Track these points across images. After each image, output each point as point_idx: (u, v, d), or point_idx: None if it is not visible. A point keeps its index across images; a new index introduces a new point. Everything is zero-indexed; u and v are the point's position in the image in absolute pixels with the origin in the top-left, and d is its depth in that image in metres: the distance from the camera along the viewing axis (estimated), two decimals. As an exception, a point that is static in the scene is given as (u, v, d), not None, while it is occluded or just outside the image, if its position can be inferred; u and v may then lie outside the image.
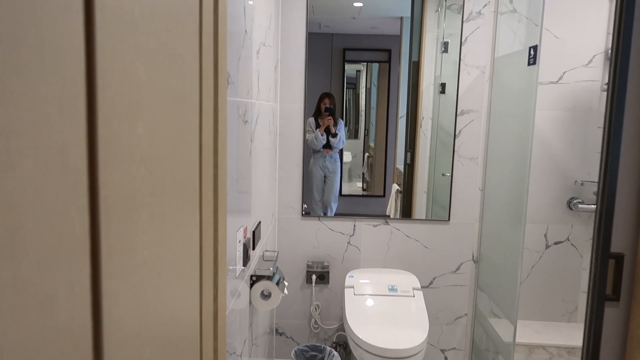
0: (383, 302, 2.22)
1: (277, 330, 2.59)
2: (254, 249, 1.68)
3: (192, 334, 0.86)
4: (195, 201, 0.86)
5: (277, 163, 2.45)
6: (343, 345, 2.55)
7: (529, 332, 2.43)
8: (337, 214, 2.51)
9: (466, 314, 2.57)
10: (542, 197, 2.46)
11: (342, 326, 2.54)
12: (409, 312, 2.15)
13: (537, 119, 2.30)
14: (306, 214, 2.49)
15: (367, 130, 2.62)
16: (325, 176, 2.51)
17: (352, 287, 2.33)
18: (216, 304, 1.03)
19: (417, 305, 2.20)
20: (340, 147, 2.51)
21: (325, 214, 2.51)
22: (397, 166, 2.59)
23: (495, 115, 2.37)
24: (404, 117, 2.52)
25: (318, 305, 2.56)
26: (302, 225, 2.49)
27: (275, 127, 2.34)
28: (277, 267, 1.85)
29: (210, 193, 0.96)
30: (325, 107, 2.44)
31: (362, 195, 2.69)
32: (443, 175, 2.54)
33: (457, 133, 2.44)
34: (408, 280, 2.38)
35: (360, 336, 1.95)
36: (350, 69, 2.49)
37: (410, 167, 2.60)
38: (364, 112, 2.61)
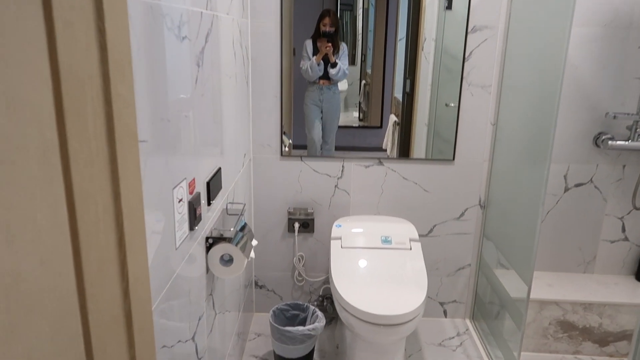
0: (375, 257, 1.92)
1: (256, 283, 2.32)
2: (210, 203, 1.34)
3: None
4: (52, 161, 0.51)
5: (250, 94, 2.06)
6: (330, 299, 2.29)
7: (540, 286, 2.15)
8: (324, 156, 2.14)
9: (469, 265, 2.28)
10: (564, 132, 2.09)
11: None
12: (405, 268, 1.85)
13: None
14: (299, 146, 2.12)
15: (364, 55, 2.22)
16: (322, 112, 2.13)
17: (340, 238, 2.02)
18: (128, 301, 0.71)
19: (415, 260, 1.90)
20: (341, 79, 2.12)
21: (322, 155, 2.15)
22: (395, 95, 2.21)
23: (516, 32, 1.93)
24: (404, 40, 2.10)
25: (302, 257, 2.27)
26: (282, 166, 2.14)
27: (246, 50, 1.92)
28: (245, 224, 1.52)
29: (98, 143, 0.60)
30: (324, 30, 2.01)
31: (358, 127, 2.33)
32: (446, 105, 2.16)
33: (466, 55, 2.02)
34: (404, 230, 2.07)
35: (347, 300, 1.66)
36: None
37: (409, 96, 2.21)
38: (361, 35, 2.20)
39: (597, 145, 2.09)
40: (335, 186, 2.16)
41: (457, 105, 2.10)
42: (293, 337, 1.80)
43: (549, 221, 2.21)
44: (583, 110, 2.06)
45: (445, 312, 2.36)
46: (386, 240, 2.00)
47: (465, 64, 2.02)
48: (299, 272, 2.28)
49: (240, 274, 1.86)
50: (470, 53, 2.01)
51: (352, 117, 2.32)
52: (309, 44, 2.05)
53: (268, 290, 2.32)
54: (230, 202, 1.60)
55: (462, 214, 2.20)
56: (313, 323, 1.93)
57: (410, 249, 1.97)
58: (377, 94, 2.26)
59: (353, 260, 1.90)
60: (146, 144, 0.88)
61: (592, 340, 2.12)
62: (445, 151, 2.15)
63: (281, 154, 2.12)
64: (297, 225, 2.19)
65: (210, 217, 1.37)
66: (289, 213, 2.18)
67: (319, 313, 1.91)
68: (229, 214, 1.53)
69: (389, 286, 1.74)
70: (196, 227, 1.21)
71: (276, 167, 2.14)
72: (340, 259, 1.90)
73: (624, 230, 2.21)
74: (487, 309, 2.21)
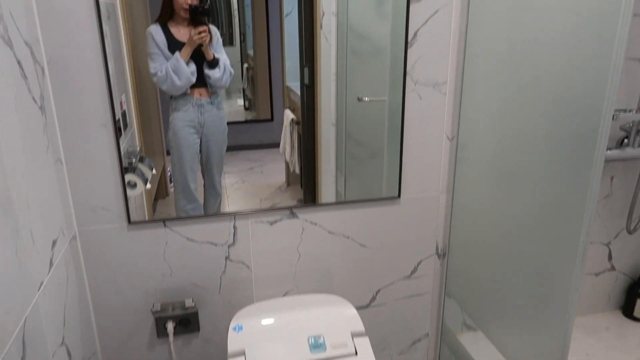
0: (304, 381, 1.17)
1: (115, 419, 1.46)
2: None
3: None
4: None
5: (58, 129, 1.15)
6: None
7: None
8: (202, 215, 1.32)
9: (427, 335, 1.64)
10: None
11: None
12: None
13: None
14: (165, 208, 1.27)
15: (243, 35, 1.49)
16: (201, 141, 1.32)
17: (242, 354, 1.24)
18: None
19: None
20: (225, 85, 1.33)
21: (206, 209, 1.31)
22: (288, 84, 1.50)
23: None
24: (294, 14, 1.39)
25: (185, 369, 1.46)
26: (134, 240, 1.28)
27: (27, 44, 1.02)
28: None
29: None
30: (192, 5, 1.20)
31: (246, 121, 1.57)
32: (359, 100, 1.49)
33: (409, 39, 1.31)
34: (341, 317, 1.35)
35: None
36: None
37: (309, 88, 1.50)
38: (237, 11, 1.44)
39: (583, 155, 1.53)
40: (227, 258, 1.36)
41: (374, 99, 1.44)
42: None
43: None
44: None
45: (398, 399, 1.71)
46: (317, 345, 1.26)
47: (409, 50, 1.32)
48: (183, 392, 1.46)
49: None
50: (415, 35, 1.31)
51: (236, 105, 1.56)
52: (156, 32, 1.20)
53: None
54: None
55: (415, 270, 1.53)
56: None
57: (356, 353, 1.26)
58: (264, 81, 1.53)
59: (270, 395, 1.13)
60: None
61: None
62: (360, 156, 1.46)
63: (128, 221, 1.26)
64: (170, 325, 1.36)
65: None
66: (155, 313, 1.34)
67: None
68: None
69: None
70: None
71: (124, 243, 1.27)
72: (248, 398, 1.13)
73: (610, 258, 1.71)
74: (454, 388, 1.60)
